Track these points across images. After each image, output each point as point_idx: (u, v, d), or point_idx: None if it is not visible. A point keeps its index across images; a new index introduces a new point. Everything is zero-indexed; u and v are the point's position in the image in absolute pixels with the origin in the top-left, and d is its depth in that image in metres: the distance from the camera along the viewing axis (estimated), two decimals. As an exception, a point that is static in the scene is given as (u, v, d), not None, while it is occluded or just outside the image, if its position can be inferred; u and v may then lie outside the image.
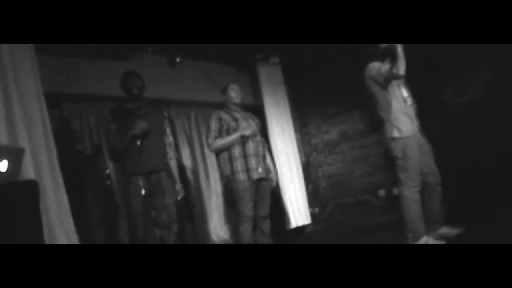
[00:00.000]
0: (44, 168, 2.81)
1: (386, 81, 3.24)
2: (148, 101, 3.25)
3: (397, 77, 3.16)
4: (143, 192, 2.97)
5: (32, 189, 2.39)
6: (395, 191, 4.92)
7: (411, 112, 3.28)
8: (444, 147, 3.68)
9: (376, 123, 5.02)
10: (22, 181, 2.49)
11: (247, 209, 3.27)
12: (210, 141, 3.39)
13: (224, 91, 3.65)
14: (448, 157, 3.49)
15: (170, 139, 3.27)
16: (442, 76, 3.80)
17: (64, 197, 2.92)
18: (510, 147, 3.97)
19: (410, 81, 3.34)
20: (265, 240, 3.38)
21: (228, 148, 3.39)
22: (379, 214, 4.93)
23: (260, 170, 3.41)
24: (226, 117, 3.46)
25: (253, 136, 3.46)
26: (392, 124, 3.20)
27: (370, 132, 5.18)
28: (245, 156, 3.39)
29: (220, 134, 3.40)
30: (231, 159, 3.40)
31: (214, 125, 3.41)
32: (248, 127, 3.46)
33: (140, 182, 2.97)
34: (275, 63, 5.54)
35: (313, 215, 5.40)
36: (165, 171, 3.14)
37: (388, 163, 3.27)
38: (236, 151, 3.38)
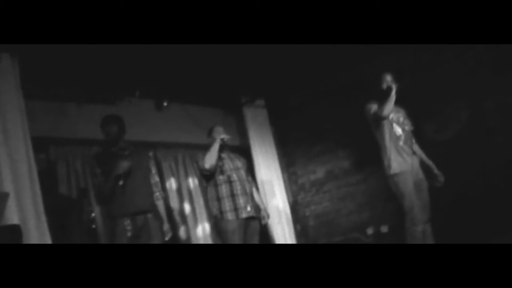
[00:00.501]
0: (28, 212, 2.81)
1: (374, 122, 3.40)
2: (132, 143, 3.28)
3: (380, 118, 3.34)
4: (129, 234, 2.94)
5: (15, 233, 2.38)
6: (383, 228, 4.94)
7: (407, 149, 3.42)
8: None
9: (360, 161, 5.14)
10: (5, 225, 2.48)
11: None
12: (200, 162, 3.43)
13: (210, 133, 3.74)
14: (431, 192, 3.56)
15: (156, 179, 3.28)
16: (422, 112, 3.95)
17: (48, 241, 2.89)
18: (489, 182, 4.07)
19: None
20: None
21: (216, 188, 3.45)
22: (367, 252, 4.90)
23: (248, 208, 3.43)
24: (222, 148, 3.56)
25: (237, 171, 3.54)
26: (386, 162, 3.39)
27: (355, 170, 5.24)
28: (232, 196, 3.43)
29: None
30: (219, 198, 3.43)
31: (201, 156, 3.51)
32: (234, 167, 3.54)
33: (126, 224, 2.94)
34: (261, 106, 5.66)
35: (302, 256, 5.34)
36: (152, 212, 3.13)
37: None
38: (224, 191, 3.42)
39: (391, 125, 3.49)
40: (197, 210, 5.05)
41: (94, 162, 3.11)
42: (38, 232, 2.82)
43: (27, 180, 2.90)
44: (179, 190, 5.00)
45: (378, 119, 3.41)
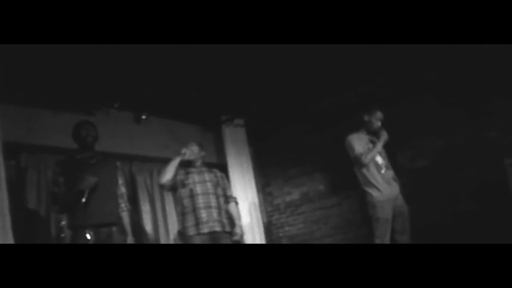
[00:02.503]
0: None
1: (354, 161, 3.49)
2: (99, 152, 3.16)
3: (360, 163, 3.44)
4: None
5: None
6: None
7: (387, 177, 3.52)
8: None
9: (336, 185, 5.18)
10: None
11: None
12: (157, 177, 3.49)
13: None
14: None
15: (122, 190, 3.18)
16: (397, 142, 4.04)
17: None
18: (462, 209, 4.16)
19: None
20: None
21: (181, 202, 3.48)
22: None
23: (211, 223, 3.37)
24: (180, 171, 3.59)
25: (202, 184, 3.54)
26: (365, 189, 3.51)
27: (330, 194, 5.28)
28: (194, 210, 3.40)
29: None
30: (183, 213, 3.43)
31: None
32: (198, 180, 3.56)
33: (88, 236, 2.82)
34: (240, 125, 5.68)
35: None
36: (116, 224, 3.03)
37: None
38: (186, 205, 3.42)
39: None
40: (170, 226, 4.98)
41: (58, 170, 2.97)
42: (1, 239, 2.72)
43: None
44: (152, 206, 4.93)
45: (359, 164, 3.52)
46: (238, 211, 3.91)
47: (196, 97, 4.68)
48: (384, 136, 3.57)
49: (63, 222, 3.49)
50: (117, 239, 2.95)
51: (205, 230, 3.34)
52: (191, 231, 3.33)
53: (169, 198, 5.14)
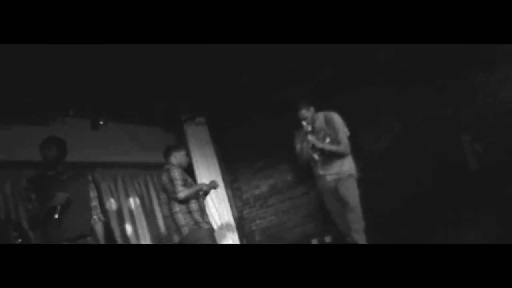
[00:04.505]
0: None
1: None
2: (70, 165, 3.18)
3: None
4: None
5: None
6: (327, 239, 5.04)
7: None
8: (365, 191, 3.90)
9: (302, 174, 5.23)
10: None
11: None
12: (178, 189, 3.54)
13: (168, 155, 3.83)
14: (368, 200, 3.70)
15: (94, 202, 3.21)
16: (357, 124, 4.11)
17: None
18: (423, 187, 4.29)
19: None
20: None
21: (186, 204, 3.60)
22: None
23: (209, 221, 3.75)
24: (183, 172, 3.76)
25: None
26: (339, 165, 3.73)
27: (298, 183, 5.33)
28: (201, 210, 3.70)
29: (185, 184, 3.63)
30: (190, 212, 3.60)
31: (178, 175, 3.61)
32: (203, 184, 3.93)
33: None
34: (201, 123, 5.63)
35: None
36: (90, 236, 3.05)
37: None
38: (193, 206, 3.63)
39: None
40: (140, 231, 4.89)
41: (29, 187, 2.98)
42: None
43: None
44: (119, 211, 4.82)
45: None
46: None
47: (155, 97, 4.59)
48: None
49: (20, 240, 3.38)
50: None
51: (207, 226, 3.66)
52: (205, 226, 3.61)
53: (136, 203, 5.05)
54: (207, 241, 3.51)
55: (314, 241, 5.15)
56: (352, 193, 3.63)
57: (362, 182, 3.76)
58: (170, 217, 3.61)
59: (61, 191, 2.87)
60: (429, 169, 4.32)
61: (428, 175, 4.30)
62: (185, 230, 3.51)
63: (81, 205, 3.05)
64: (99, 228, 3.17)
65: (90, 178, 3.27)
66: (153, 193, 5.27)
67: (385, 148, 4.62)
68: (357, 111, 4.32)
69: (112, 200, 4.81)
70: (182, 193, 3.52)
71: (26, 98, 3.72)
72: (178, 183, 3.55)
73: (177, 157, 3.80)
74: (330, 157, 3.72)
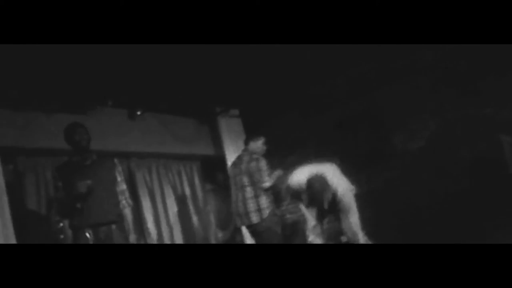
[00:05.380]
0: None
1: None
2: (95, 152, 3.13)
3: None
4: None
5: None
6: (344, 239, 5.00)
7: None
8: (396, 191, 3.87)
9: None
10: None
11: None
12: (265, 179, 3.97)
13: (247, 143, 4.30)
14: (400, 201, 3.65)
15: (122, 186, 3.13)
16: (389, 124, 4.05)
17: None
18: (458, 188, 4.18)
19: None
20: None
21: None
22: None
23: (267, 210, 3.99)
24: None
25: None
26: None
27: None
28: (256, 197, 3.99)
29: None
30: (244, 199, 3.96)
31: (265, 166, 4.04)
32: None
33: (88, 235, 2.82)
34: (235, 115, 5.67)
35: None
36: (116, 222, 3.01)
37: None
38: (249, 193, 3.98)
39: None
40: (171, 220, 5.00)
41: (56, 175, 3.02)
42: (4, 241, 2.73)
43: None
44: (153, 202, 4.94)
45: None
46: None
47: (190, 90, 4.66)
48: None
49: (61, 224, 3.49)
50: (117, 238, 2.94)
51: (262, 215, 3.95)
52: (278, 213, 4.08)
53: (169, 192, 5.16)
54: (276, 228, 3.86)
55: (344, 239, 5.11)
56: None
57: (393, 181, 3.70)
58: (253, 199, 3.96)
59: (85, 177, 2.85)
60: (465, 170, 4.20)
61: (464, 177, 4.19)
62: (266, 213, 3.89)
63: (106, 190, 3.00)
64: (127, 213, 3.10)
65: (115, 161, 3.19)
66: (186, 184, 5.37)
67: (419, 147, 4.53)
68: (392, 108, 4.25)
69: (146, 190, 4.93)
70: (268, 183, 3.95)
71: (67, 88, 3.86)
72: (265, 173, 3.98)
73: (258, 146, 4.18)
74: None
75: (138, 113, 4.74)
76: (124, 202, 3.11)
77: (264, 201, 3.93)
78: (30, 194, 3.80)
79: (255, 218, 3.89)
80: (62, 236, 3.67)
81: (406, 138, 4.58)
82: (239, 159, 4.22)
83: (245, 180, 4.01)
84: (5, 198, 2.93)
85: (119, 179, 3.14)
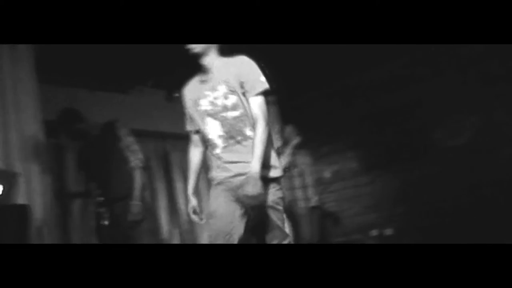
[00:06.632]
0: (36, 193, 2.82)
1: None
2: (95, 126, 3.11)
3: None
4: (106, 222, 2.81)
5: (23, 213, 2.41)
6: (388, 231, 4.92)
7: None
8: (432, 186, 3.76)
9: (368, 163, 5.13)
10: (14, 205, 2.51)
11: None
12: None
13: (282, 132, 4.42)
14: (436, 196, 3.55)
15: (128, 141, 2.98)
16: (433, 118, 3.93)
17: (52, 222, 2.91)
18: (500, 188, 4.03)
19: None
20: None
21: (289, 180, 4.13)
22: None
23: (316, 198, 4.20)
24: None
25: (307, 166, 4.36)
26: None
27: (363, 172, 5.23)
28: (304, 187, 4.15)
29: None
30: (292, 188, 4.11)
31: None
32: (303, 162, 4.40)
33: (103, 212, 2.83)
34: (271, 102, 5.64)
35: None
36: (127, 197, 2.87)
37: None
38: (296, 182, 4.17)
39: None
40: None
41: (75, 157, 3.22)
42: (44, 213, 2.83)
43: (37, 162, 2.92)
44: (185, 183, 4.99)
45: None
46: None
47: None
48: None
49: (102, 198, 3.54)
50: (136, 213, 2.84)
51: (311, 204, 4.11)
52: (302, 204, 4.04)
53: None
54: (302, 218, 3.94)
55: (374, 233, 5.06)
56: None
57: (429, 179, 3.60)
58: (302, 189, 4.11)
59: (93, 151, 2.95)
60: (507, 173, 4.04)
61: (505, 180, 4.02)
62: (314, 201, 4.08)
63: (116, 165, 2.91)
64: (137, 175, 2.89)
65: (116, 124, 3.05)
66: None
67: (460, 144, 4.39)
68: (433, 103, 4.13)
69: (180, 171, 5.00)
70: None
71: (110, 67, 3.94)
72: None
73: (288, 132, 4.30)
74: None
75: (176, 95, 4.79)
76: (133, 163, 2.93)
77: (311, 190, 4.11)
78: (71, 167, 3.92)
79: (303, 205, 4.05)
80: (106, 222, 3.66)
81: (446, 134, 4.45)
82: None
83: (297, 170, 4.19)
84: (47, 169, 3.01)
85: (121, 133, 2.99)
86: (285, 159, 3.97)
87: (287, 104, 5.62)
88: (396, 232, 4.72)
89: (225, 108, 2.05)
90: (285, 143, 4.14)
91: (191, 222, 4.88)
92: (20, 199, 2.65)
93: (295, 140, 4.06)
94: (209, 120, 2.10)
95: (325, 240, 4.14)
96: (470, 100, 4.32)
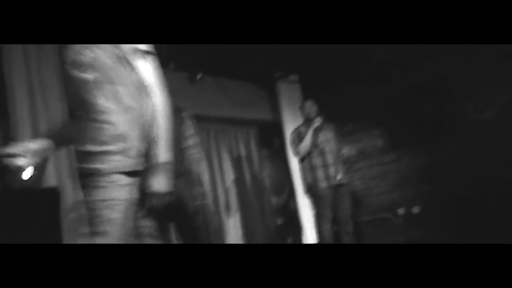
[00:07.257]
0: (64, 175, 2.88)
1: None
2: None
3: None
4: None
5: (53, 195, 2.47)
6: (415, 209, 4.86)
7: None
8: (460, 163, 3.66)
9: (394, 140, 5.04)
10: (44, 188, 2.57)
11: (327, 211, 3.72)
12: (295, 150, 3.89)
13: (302, 109, 4.09)
14: (464, 173, 3.47)
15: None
16: (462, 92, 3.81)
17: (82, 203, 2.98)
18: None
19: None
20: (348, 239, 3.73)
21: (309, 159, 3.83)
22: (397, 232, 4.85)
23: (338, 177, 3.80)
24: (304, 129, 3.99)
25: (329, 142, 3.94)
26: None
27: (389, 150, 5.15)
28: (325, 166, 3.80)
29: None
30: (312, 168, 3.82)
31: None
32: (325, 139, 3.96)
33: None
34: (294, 81, 5.60)
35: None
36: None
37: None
38: (317, 162, 3.81)
39: None
40: (227, 183, 5.10)
41: None
42: (73, 195, 2.90)
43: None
44: (210, 166, 5.04)
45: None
46: None
47: (250, 54, 4.63)
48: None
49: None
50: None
51: (333, 183, 3.75)
52: (323, 184, 3.73)
53: (225, 156, 5.25)
54: (328, 199, 3.71)
55: (401, 211, 5.01)
56: None
57: (456, 155, 3.49)
58: (323, 167, 3.80)
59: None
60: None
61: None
62: (338, 179, 3.77)
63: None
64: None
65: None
66: (242, 148, 5.43)
67: (488, 119, 4.25)
68: (462, 77, 4.00)
69: (203, 153, 5.03)
70: (298, 149, 3.87)
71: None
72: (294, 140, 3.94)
73: (307, 107, 4.03)
74: None
75: (198, 76, 4.80)
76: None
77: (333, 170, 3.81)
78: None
79: (324, 185, 3.76)
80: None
81: (475, 109, 4.31)
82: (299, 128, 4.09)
83: (316, 150, 3.88)
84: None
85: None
86: (306, 142, 3.80)
87: (312, 82, 5.55)
88: (423, 210, 4.65)
89: None
90: (306, 120, 4.01)
91: (215, 203, 4.94)
92: (50, 182, 2.71)
93: (316, 123, 3.86)
94: None
95: (353, 219, 3.97)
96: (498, 74, 4.17)
